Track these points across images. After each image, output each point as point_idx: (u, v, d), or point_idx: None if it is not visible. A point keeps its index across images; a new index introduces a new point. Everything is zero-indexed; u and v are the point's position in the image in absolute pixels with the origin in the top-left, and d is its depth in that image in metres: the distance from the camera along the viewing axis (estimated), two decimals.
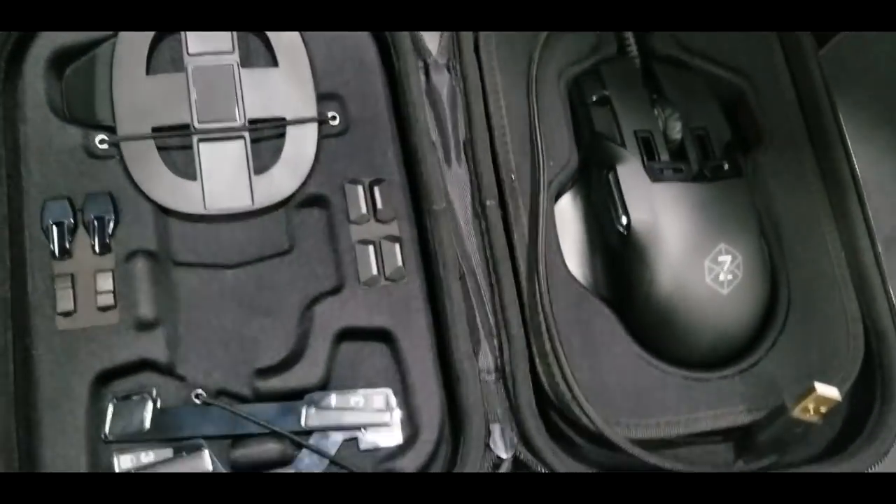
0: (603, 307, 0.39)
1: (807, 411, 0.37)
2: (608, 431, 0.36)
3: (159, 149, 0.38)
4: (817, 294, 0.40)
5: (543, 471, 0.36)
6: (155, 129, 0.38)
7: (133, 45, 0.39)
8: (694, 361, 0.39)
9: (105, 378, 0.35)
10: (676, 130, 0.41)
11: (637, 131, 0.40)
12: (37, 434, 0.34)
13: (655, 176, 0.39)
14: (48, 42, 0.38)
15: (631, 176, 0.39)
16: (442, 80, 0.42)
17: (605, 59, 0.43)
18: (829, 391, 0.36)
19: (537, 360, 0.38)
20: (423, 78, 0.41)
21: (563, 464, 0.36)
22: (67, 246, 0.36)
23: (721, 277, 0.38)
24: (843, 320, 0.40)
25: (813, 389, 0.36)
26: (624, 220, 0.38)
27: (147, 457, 0.35)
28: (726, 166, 0.40)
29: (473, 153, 0.40)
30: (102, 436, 0.35)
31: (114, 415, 0.35)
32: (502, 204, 0.40)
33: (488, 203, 0.40)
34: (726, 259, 0.38)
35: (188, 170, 0.38)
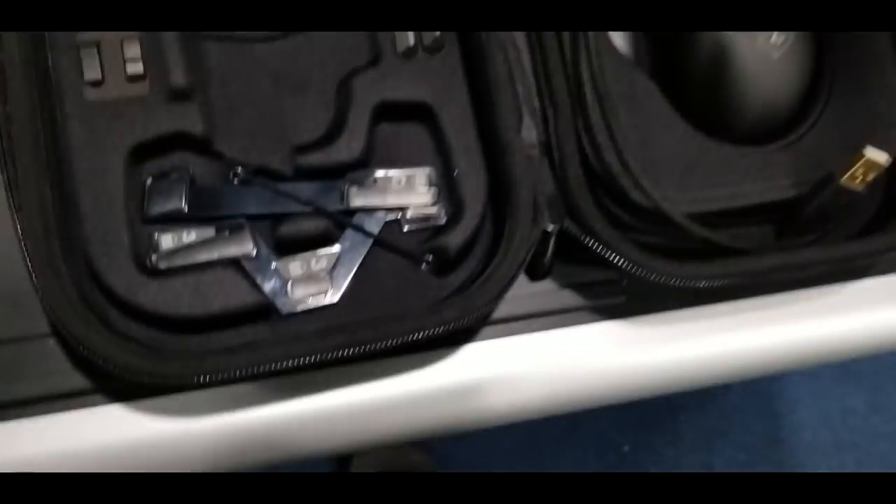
0: (649, 81, 0.38)
1: (854, 178, 0.37)
2: (663, 203, 0.36)
3: None
4: (863, 67, 0.40)
5: (591, 243, 0.36)
6: None
7: None
8: (742, 132, 0.38)
9: (140, 153, 0.33)
10: None
11: None
12: (75, 211, 0.32)
13: None
14: None
15: None
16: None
17: None
18: (878, 155, 0.36)
19: (583, 135, 0.37)
20: None
21: (611, 236, 0.36)
22: None
23: (773, 39, 0.37)
24: (888, 93, 0.39)
25: (863, 155, 0.36)
26: None
27: (188, 236, 0.34)
28: None
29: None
30: (142, 216, 0.34)
31: (151, 193, 0.34)
32: None
33: None
34: None
35: None
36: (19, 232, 0.31)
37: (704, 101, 0.38)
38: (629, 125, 0.37)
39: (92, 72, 0.33)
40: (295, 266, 0.35)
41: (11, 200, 0.31)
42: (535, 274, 0.39)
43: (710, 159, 0.38)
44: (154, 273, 0.33)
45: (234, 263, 0.34)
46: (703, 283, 0.36)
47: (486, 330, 0.38)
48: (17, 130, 0.31)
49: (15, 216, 0.31)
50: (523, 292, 0.38)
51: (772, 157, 0.38)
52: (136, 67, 0.33)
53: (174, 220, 0.34)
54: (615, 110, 0.36)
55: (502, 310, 0.38)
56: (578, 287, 0.39)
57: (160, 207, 0.34)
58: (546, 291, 0.39)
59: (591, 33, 0.36)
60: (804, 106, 0.39)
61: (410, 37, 0.36)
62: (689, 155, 0.37)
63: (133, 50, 0.33)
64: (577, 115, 0.37)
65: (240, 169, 0.35)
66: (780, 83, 0.38)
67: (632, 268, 0.36)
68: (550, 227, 0.36)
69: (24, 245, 0.31)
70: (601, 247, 0.36)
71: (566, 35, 0.37)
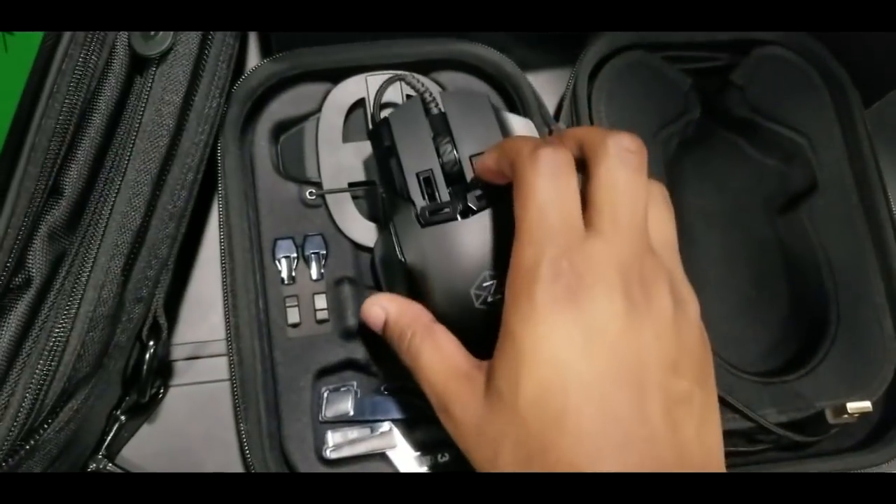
0: None
1: (841, 415, 0.49)
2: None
3: (354, 198, 0.50)
4: (861, 315, 0.51)
5: None
6: (350, 184, 0.50)
7: (332, 119, 0.50)
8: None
9: (321, 374, 0.47)
10: (453, 161, 0.42)
11: (419, 173, 0.42)
12: (276, 415, 0.46)
13: (425, 220, 0.41)
14: (271, 115, 0.50)
15: (406, 223, 0.42)
16: None
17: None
18: (860, 405, 0.48)
19: None
20: None
21: None
22: (293, 274, 0.48)
23: (490, 299, 0.40)
24: (881, 337, 0.51)
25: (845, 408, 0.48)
26: (402, 258, 0.42)
27: (351, 433, 0.47)
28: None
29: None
30: (320, 417, 0.47)
31: (327, 402, 0.47)
32: None
33: None
34: (491, 283, 0.40)
35: (374, 213, 0.50)
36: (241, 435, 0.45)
37: None
38: None
39: (293, 317, 0.47)
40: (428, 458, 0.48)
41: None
42: None
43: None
44: (328, 463, 0.46)
45: (383, 456, 0.47)
46: None
47: None
48: (242, 363, 0.45)
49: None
50: None
51: (789, 387, 0.50)
52: (323, 315, 0.47)
53: (342, 422, 0.47)
54: None
55: None
56: None
57: (333, 413, 0.47)
58: None
59: None
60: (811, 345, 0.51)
61: None
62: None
63: (321, 302, 0.48)
64: None
65: (388, 385, 0.48)
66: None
67: None
68: None
69: (243, 450, 0.45)
70: None
71: None
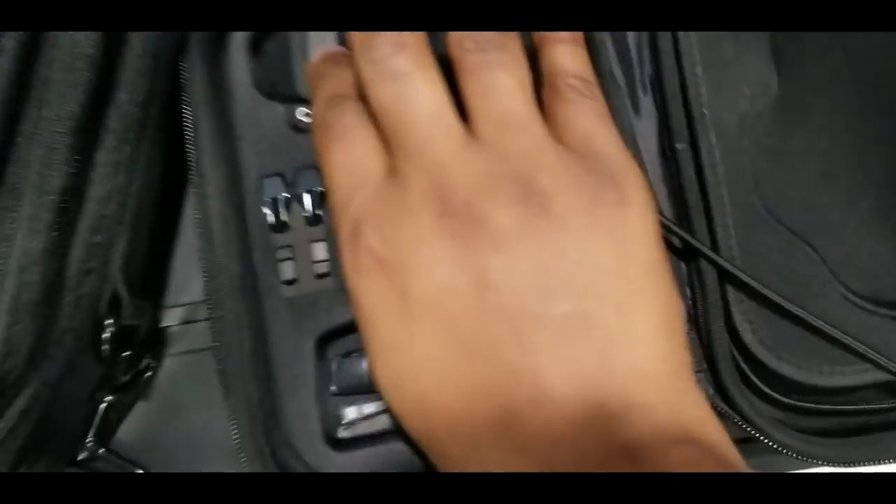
0: (809, 250, 0.38)
1: None
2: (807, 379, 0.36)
3: None
4: None
5: (740, 423, 0.37)
6: None
7: None
8: None
9: (327, 338, 0.39)
10: None
11: None
12: (274, 392, 0.38)
13: None
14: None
15: None
16: None
17: None
18: None
19: (733, 310, 0.38)
20: None
21: (759, 415, 0.37)
22: (285, 219, 0.39)
23: None
24: None
25: None
26: None
27: (369, 407, 0.39)
28: None
29: (661, 89, 0.40)
30: (330, 390, 0.39)
31: (337, 371, 0.39)
32: (693, 144, 0.39)
33: (678, 147, 0.39)
34: None
35: None
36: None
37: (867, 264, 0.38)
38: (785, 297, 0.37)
39: (287, 273, 0.39)
40: None
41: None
42: None
43: (870, 329, 0.37)
44: (339, 444, 0.38)
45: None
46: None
47: None
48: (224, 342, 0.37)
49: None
50: None
51: None
52: (323, 267, 0.39)
53: (357, 393, 0.39)
54: (768, 285, 0.37)
55: None
56: None
57: (345, 384, 0.39)
58: None
59: (729, 219, 0.37)
60: None
61: None
62: (847, 327, 0.37)
63: (321, 252, 0.39)
64: (725, 294, 0.38)
65: None
66: None
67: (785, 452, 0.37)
68: None
69: (232, 426, 0.37)
70: (752, 429, 0.37)
71: (715, 209, 0.38)
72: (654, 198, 0.38)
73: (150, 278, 0.40)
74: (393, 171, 0.32)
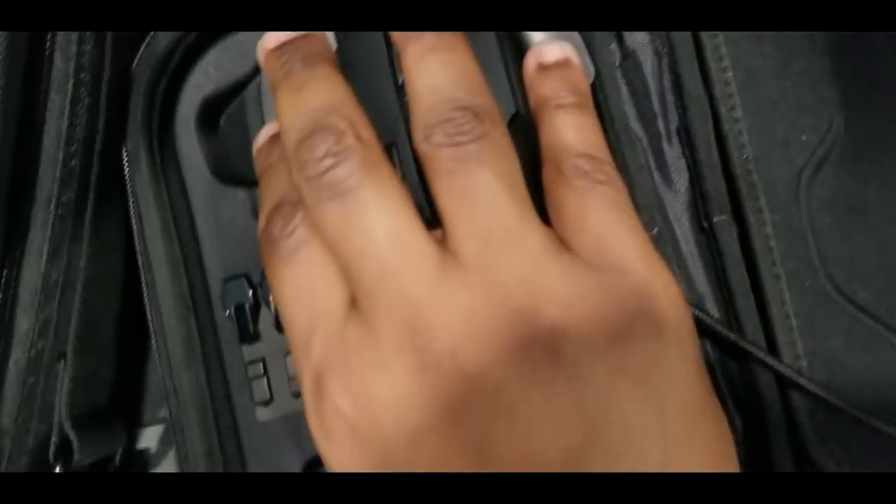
0: (887, 333, 0.31)
1: None
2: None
3: None
4: None
5: None
6: None
7: None
8: None
9: (315, 463, 0.33)
10: None
11: None
12: None
13: None
14: (194, 91, 0.34)
15: None
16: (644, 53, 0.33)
17: None
18: None
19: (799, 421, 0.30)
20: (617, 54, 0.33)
21: None
22: (252, 329, 0.33)
23: None
24: None
25: None
26: None
27: None
28: None
29: (691, 143, 0.32)
30: None
31: None
32: (737, 213, 0.31)
33: (716, 219, 0.31)
34: None
35: None
36: None
37: None
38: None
39: (260, 393, 0.33)
40: None
41: None
42: None
43: None
44: None
45: None
46: None
47: None
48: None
49: None
50: None
51: None
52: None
53: None
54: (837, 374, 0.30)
55: None
56: None
57: None
58: None
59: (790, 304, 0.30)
60: None
61: None
62: None
63: None
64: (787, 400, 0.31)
65: None
66: None
67: None
68: None
69: None
70: None
71: (767, 285, 0.31)
72: (690, 302, 0.31)
73: (120, 398, 0.36)
74: (357, 303, 0.26)
